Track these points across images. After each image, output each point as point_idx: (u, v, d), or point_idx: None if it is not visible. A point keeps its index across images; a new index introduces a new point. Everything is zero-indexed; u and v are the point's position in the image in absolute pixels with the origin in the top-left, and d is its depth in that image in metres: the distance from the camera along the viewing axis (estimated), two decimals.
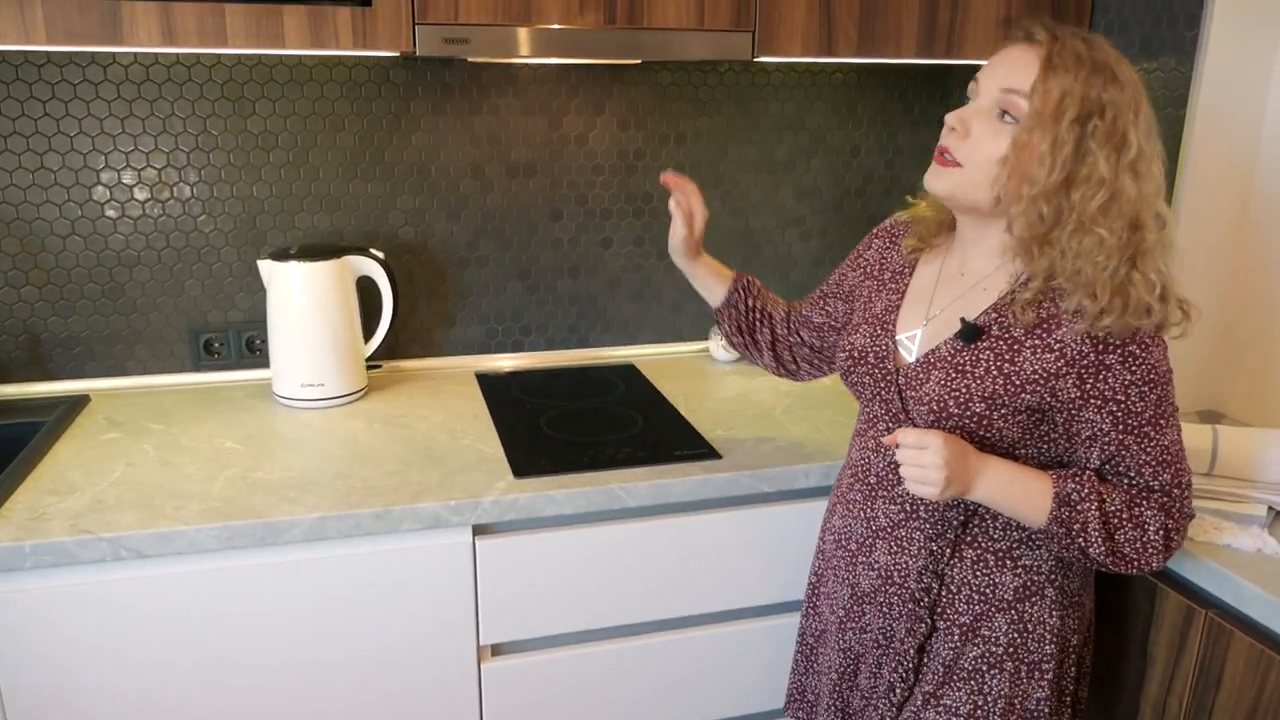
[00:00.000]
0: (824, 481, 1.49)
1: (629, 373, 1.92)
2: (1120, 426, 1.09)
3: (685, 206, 1.43)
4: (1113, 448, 1.10)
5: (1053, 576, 1.18)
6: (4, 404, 1.68)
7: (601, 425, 1.62)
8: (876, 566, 1.24)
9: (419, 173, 1.83)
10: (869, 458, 1.26)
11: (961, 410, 1.12)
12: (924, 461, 1.07)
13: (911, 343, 1.21)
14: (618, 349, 2.04)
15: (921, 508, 1.19)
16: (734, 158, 1.99)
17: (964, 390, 1.12)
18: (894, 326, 1.24)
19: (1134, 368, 1.07)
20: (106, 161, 1.69)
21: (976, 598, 1.18)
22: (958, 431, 1.13)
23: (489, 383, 1.84)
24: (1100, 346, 1.07)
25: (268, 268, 1.67)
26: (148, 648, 1.29)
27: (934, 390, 1.14)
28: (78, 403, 1.69)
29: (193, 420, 1.63)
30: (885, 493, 1.23)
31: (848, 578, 1.28)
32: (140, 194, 1.72)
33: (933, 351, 1.17)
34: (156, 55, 1.66)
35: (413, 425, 1.61)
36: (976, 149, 1.09)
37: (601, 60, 1.80)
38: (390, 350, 1.87)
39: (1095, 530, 1.09)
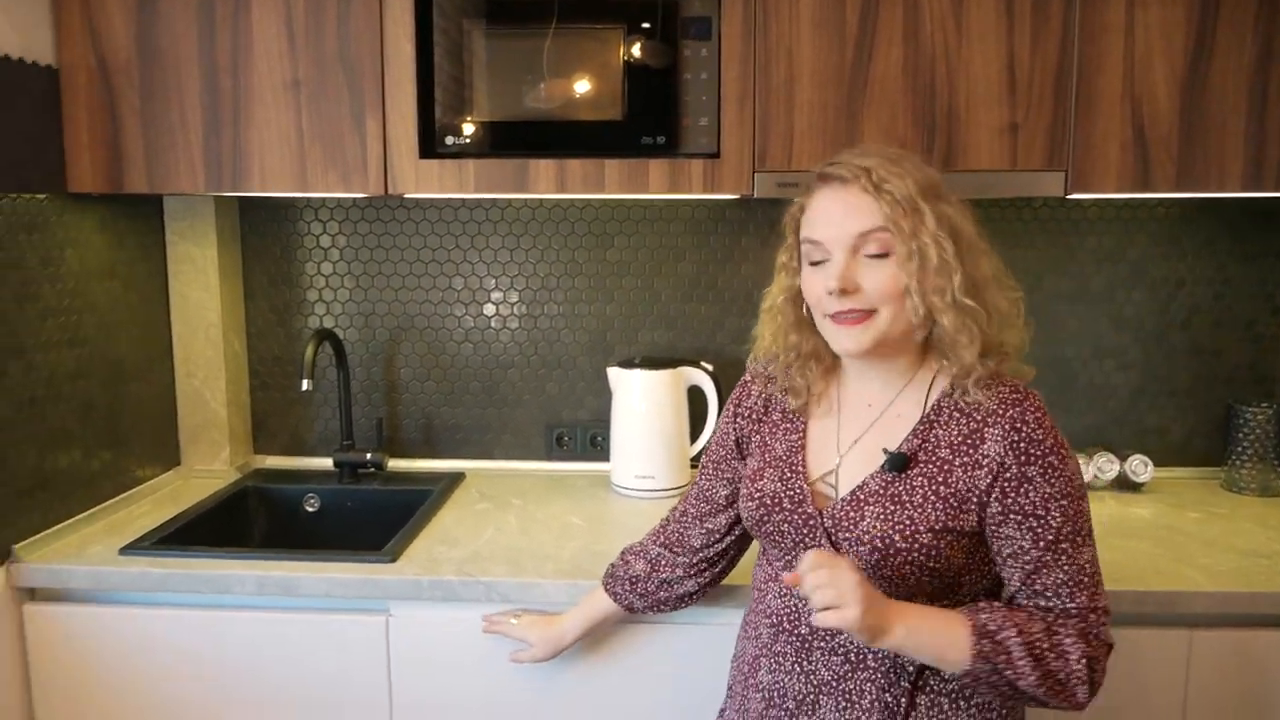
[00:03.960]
0: (1136, 607, 1.47)
1: None
2: (1040, 543, 1.07)
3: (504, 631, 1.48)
4: (1031, 566, 1.08)
5: (1005, 715, 1.14)
6: (404, 475, 2.08)
7: None
8: None
9: (745, 298, 2.07)
10: (795, 605, 1.17)
11: (909, 544, 1.08)
12: (839, 582, 1.00)
13: (831, 481, 1.17)
14: None
15: (869, 656, 1.12)
16: (1048, 288, 2.05)
17: (907, 522, 1.09)
18: (803, 467, 1.19)
19: (1053, 480, 1.07)
20: (496, 284, 2.08)
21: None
22: (906, 567, 1.09)
23: None
24: (1022, 458, 1.07)
25: (615, 374, 1.95)
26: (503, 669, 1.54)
27: (873, 526, 1.10)
28: (456, 478, 2.04)
29: (545, 500, 1.92)
30: (823, 644, 1.14)
31: None
32: (519, 310, 2.09)
33: (860, 487, 1.13)
34: (542, 199, 2.05)
35: None
36: (878, 294, 1.10)
37: None
38: None
39: (1021, 658, 1.04)
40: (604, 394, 2.06)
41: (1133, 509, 1.85)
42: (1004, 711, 1.15)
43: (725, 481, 1.33)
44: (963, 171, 1.64)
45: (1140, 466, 1.94)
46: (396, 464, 2.13)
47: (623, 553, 1.44)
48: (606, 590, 1.43)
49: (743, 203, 2.03)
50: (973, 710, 1.13)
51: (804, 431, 1.22)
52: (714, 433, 1.42)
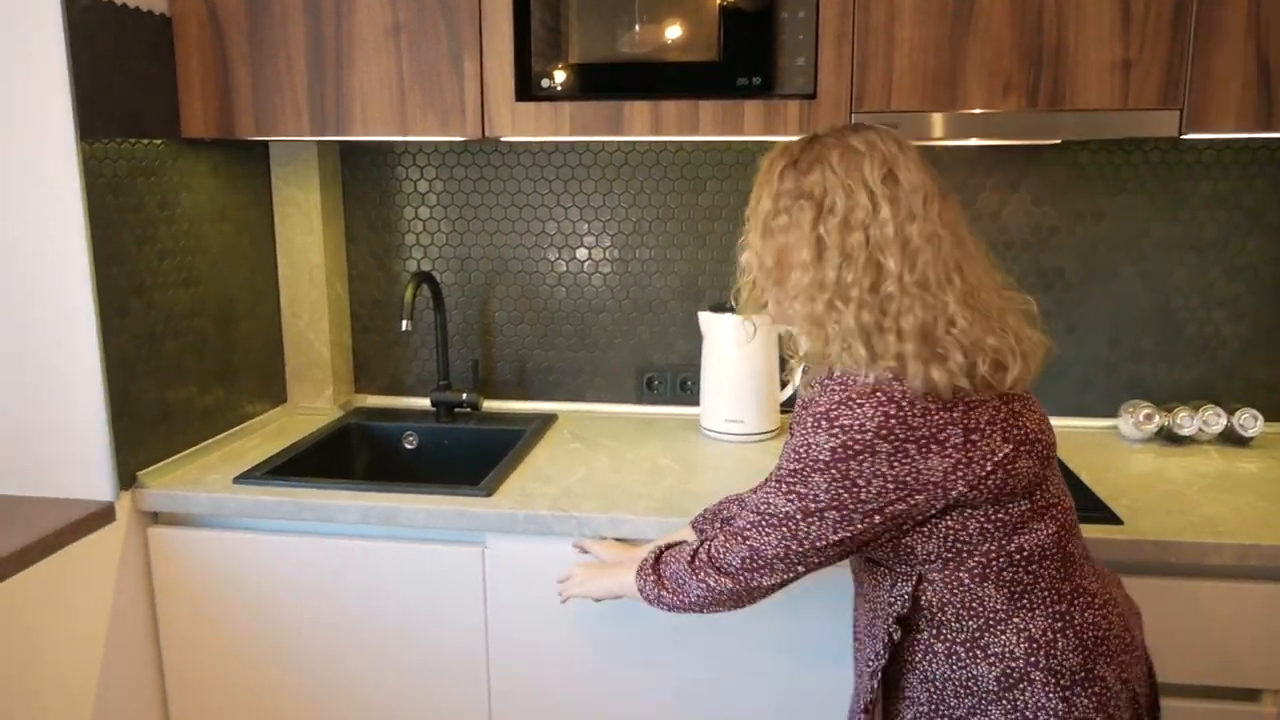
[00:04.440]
0: (1239, 561, 1.43)
1: None
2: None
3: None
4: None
5: (1034, 659, 1.10)
6: (498, 415, 2.13)
7: None
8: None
9: None
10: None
11: None
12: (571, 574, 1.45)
13: None
14: None
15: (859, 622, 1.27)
16: (1156, 235, 1.97)
17: None
18: None
19: (798, 432, 1.12)
20: (589, 228, 2.10)
21: (963, 691, 1.13)
22: None
23: None
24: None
25: (706, 319, 1.96)
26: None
27: None
28: (548, 419, 2.08)
29: (636, 441, 1.95)
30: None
31: None
32: (611, 254, 2.11)
33: None
34: (635, 143, 2.05)
35: None
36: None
37: (1020, 141, 1.90)
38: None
39: (649, 568, 1.27)
40: (694, 338, 2.07)
41: (1239, 464, 1.79)
42: (1033, 658, 1.11)
43: None
44: (1070, 111, 1.59)
45: (1250, 420, 1.87)
46: (491, 405, 2.18)
47: (725, 499, 1.47)
48: (694, 527, 1.46)
49: None
50: (991, 659, 1.11)
51: None
52: None
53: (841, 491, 1.08)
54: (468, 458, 2.03)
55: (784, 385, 1.99)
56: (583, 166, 2.08)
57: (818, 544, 1.11)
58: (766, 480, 1.18)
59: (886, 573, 1.18)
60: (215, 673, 1.70)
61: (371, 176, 2.15)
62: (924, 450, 1.06)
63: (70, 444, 1.59)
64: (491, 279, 2.16)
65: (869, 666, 1.19)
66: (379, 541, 1.61)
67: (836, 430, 1.07)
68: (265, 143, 2.06)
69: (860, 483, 1.07)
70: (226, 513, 1.65)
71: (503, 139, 1.84)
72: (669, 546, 1.30)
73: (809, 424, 1.09)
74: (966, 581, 1.12)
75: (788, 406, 2.03)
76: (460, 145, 2.11)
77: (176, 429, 1.78)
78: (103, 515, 1.58)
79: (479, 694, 1.63)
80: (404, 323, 1.92)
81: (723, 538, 1.19)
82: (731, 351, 1.92)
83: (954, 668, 1.13)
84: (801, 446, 1.10)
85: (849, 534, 1.10)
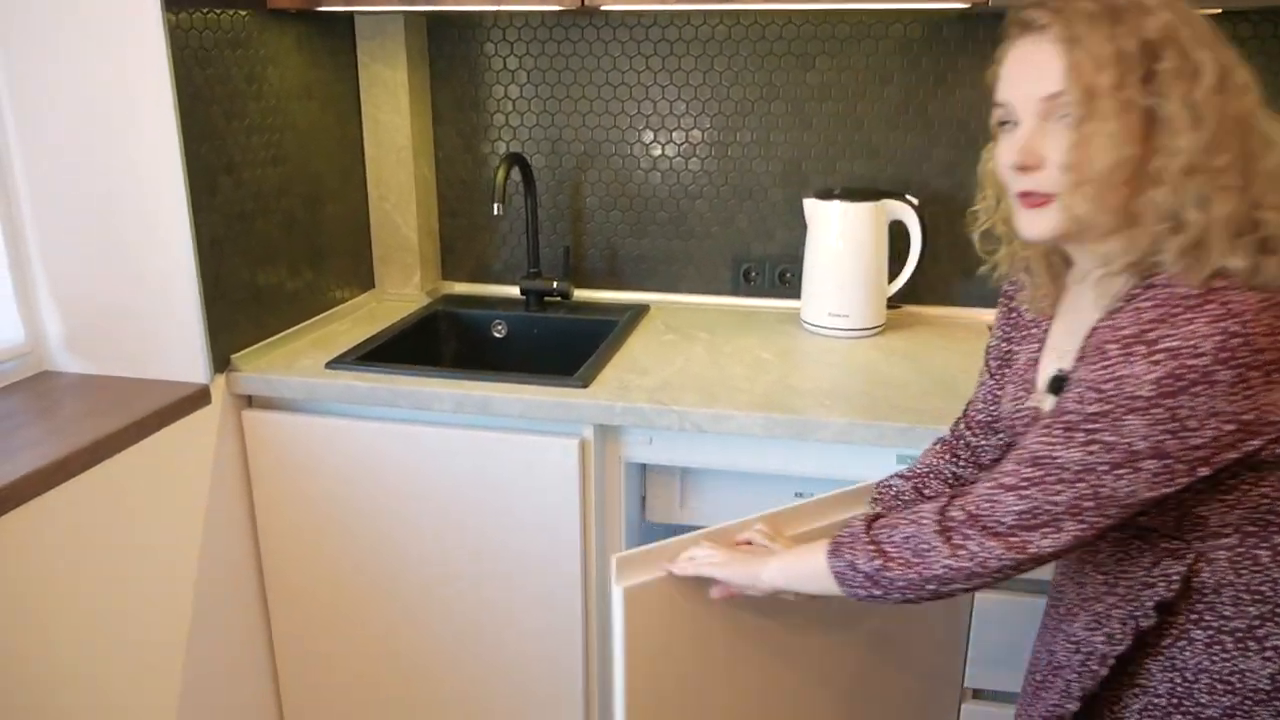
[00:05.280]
0: None
1: None
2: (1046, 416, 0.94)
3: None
4: (1018, 421, 1.05)
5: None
6: (589, 304, 2.07)
7: None
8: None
9: (958, 127, 1.89)
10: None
11: None
12: (697, 555, 1.15)
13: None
14: None
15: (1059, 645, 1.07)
16: None
17: None
18: (1033, 385, 1.07)
19: (1095, 367, 0.88)
20: (687, 108, 1.98)
21: (1221, 688, 0.94)
22: None
23: None
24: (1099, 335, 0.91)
25: (812, 206, 1.84)
26: None
27: None
28: (641, 310, 2.01)
29: (733, 333, 1.86)
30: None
31: None
32: (710, 137, 1.99)
33: (1038, 412, 1.03)
34: (739, 14, 1.90)
35: (931, 361, 1.70)
36: (1062, 171, 0.89)
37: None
38: (908, 294, 1.96)
39: (863, 541, 1.02)
40: (795, 227, 1.96)
41: None
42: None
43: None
44: None
45: None
46: (581, 293, 2.11)
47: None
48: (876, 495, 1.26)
49: (962, 19, 1.83)
50: (1268, 653, 0.93)
51: (1042, 341, 1.08)
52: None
53: (1166, 436, 0.84)
54: (558, 348, 1.97)
55: (892, 279, 1.88)
56: (682, 41, 1.95)
57: (1125, 502, 0.88)
58: (1045, 426, 0.92)
59: (1149, 548, 0.96)
60: (309, 556, 1.71)
61: (460, 53, 2.05)
62: (1270, 380, 0.83)
63: (165, 326, 1.57)
64: (583, 162, 2.06)
65: (1093, 650, 1.01)
66: (474, 431, 1.58)
67: (1160, 356, 0.83)
68: (351, 17, 1.96)
69: (1191, 424, 0.84)
70: (319, 397, 1.62)
71: (601, 7, 1.72)
72: (873, 518, 1.06)
73: (1114, 352, 0.86)
74: (1265, 561, 0.91)
75: (896, 301, 1.92)
76: (553, 19, 1.99)
77: (267, 312, 1.75)
78: (198, 398, 1.57)
79: (573, 584, 1.61)
80: (495, 206, 1.84)
81: (984, 489, 0.95)
82: (838, 243, 1.81)
83: (1214, 659, 0.94)
84: (1107, 381, 0.86)
85: (1168, 490, 0.87)
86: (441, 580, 1.66)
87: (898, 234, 1.85)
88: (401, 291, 2.12)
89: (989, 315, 1.96)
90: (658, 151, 2.02)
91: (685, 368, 1.66)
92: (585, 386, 1.56)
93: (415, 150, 2.04)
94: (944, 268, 1.97)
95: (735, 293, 2.07)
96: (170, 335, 1.58)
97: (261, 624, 1.78)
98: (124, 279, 1.56)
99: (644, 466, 1.68)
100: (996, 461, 1.16)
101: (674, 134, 2.00)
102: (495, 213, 1.84)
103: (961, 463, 1.22)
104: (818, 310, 1.85)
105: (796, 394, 1.53)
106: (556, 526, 1.58)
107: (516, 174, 1.99)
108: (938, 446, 1.26)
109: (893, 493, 1.24)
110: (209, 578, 1.64)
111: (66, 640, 1.38)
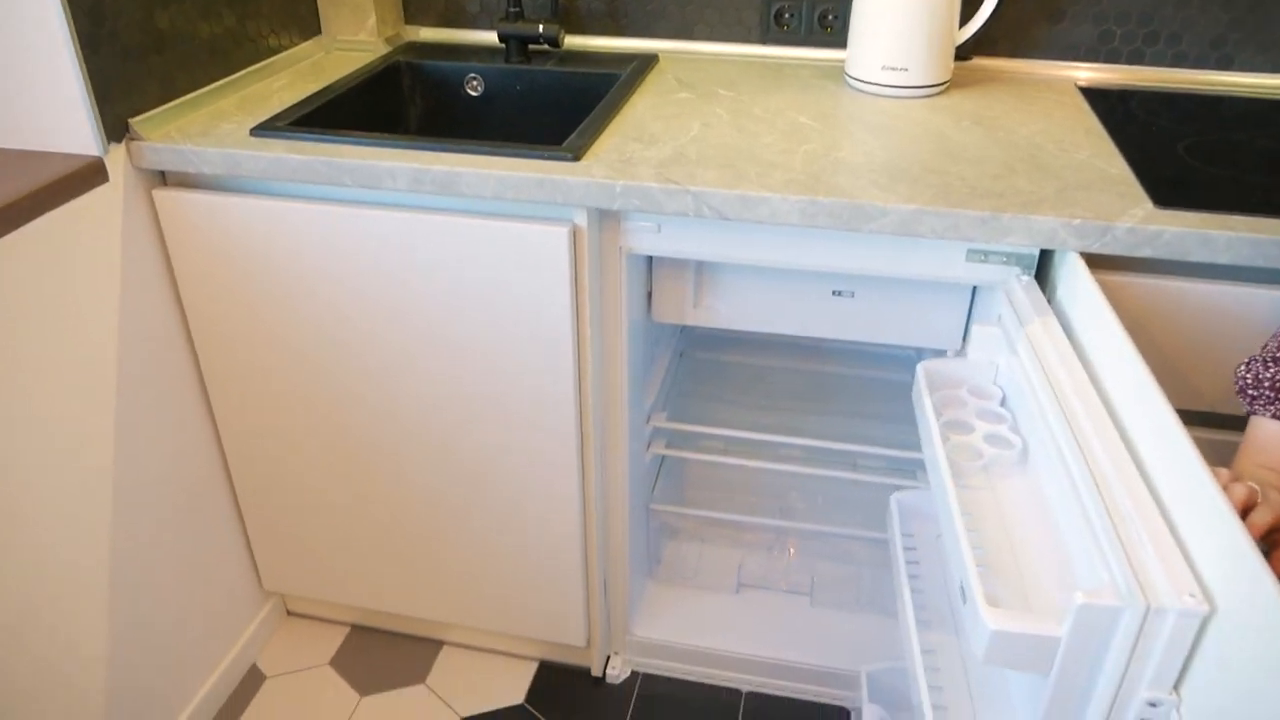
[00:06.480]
0: None
1: None
2: None
3: None
4: None
5: None
6: (583, 54, 1.69)
7: (1262, 164, 1.25)
8: None
9: None
10: None
11: None
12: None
13: None
14: (1270, 76, 1.57)
15: None
16: None
17: None
18: None
19: None
20: None
21: None
22: None
23: (1096, 96, 1.50)
24: None
25: None
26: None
27: None
28: (648, 61, 1.64)
29: (762, 91, 1.50)
30: None
31: None
32: None
33: None
34: None
35: (1010, 129, 1.35)
36: None
37: None
38: (979, 44, 1.58)
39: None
40: None
41: None
42: None
43: None
44: None
45: None
46: (574, 40, 1.73)
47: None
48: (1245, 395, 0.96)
49: None
50: None
51: None
52: None
53: None
54: (547, 108, 1.62)
55: (964, 22, 1.49)
56: None
57: None
58: None
59: None
60: (248, 352, 1.44)
61: None
62: None
63: (33, 81, 1.22)
64: None
65: None
66: (436, 214, 1.26)
67: None
68: None
69: None
70: (245, 172, 1.29)
71: None
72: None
73: None
74: None
75: (964, 52, 1.54)
76: None
77: (176, 65, 1.39)
78: (89, 174, 1.24)
79: (565, 391, 1.35)
80: None
81: None
82: None
83: None
84: None
85: None
86: (399, 383, 1.40)
87: None
88: (354, 38, 1.73)
89: (1078, 70, 1.60)
90: None
91: (704, 136, 1.32)
92: (577, 159, 1.23)
93: None
94: (1026, 8, 1.57)
95: (764, 40, 1.68)
96: (40, 92, 1.22)
97: (201, 406, 1.52)
98: None
99: (649, 259, 1.38)
100: None
101: None
102: None
103: None
104: (868, 63, 1.48)
105: (844, 170, 1.20)
106: (541, 331, 1.30)
107: None
108: None
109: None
110: (133, 377, 1.37)
111: None
